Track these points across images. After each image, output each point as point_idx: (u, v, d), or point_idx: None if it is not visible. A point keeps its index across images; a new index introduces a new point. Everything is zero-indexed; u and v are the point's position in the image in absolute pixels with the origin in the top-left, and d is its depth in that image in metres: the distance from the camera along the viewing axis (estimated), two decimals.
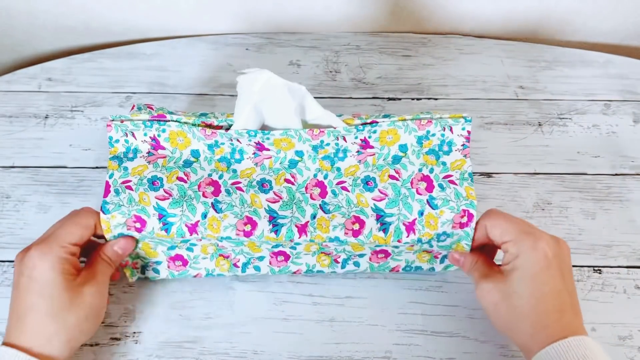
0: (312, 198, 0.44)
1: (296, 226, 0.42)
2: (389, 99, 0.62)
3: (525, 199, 0.55)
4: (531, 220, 0.53)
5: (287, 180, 0.44)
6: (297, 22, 0.67)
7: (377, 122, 0.44)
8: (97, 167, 0.56)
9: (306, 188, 0.44)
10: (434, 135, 0.44)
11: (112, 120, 0.44)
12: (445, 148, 0.45)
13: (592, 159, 0.58)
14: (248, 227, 0.42)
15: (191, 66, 0.64)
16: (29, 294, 0.39)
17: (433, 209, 0.42)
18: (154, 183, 0.43)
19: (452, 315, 0.48)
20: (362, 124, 0.44)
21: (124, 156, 0.44)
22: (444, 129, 0.44)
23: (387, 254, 0.46)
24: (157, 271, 0.48)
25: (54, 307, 0.39)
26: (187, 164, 0.45)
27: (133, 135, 0.44)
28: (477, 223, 0.42)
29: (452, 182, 0.43)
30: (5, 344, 0.38)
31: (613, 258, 0.51)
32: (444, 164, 0.44)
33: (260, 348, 0.46)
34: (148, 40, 0.68)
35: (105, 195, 0.42)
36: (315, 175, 0.45)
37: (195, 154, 0.45)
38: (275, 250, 0.46)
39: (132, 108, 0.47)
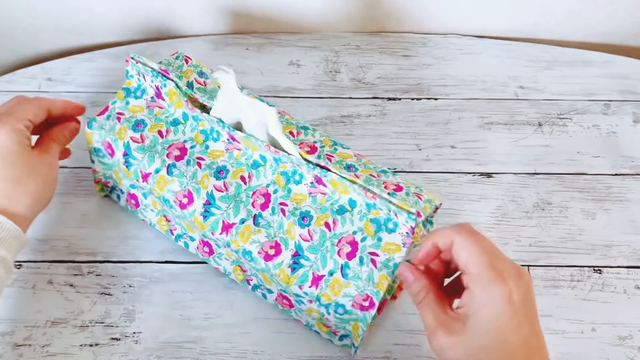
0: (252, 205, 0.43)
1: (223, 222, 0.43)
2: (389, 98, 0.62)
3: (525, 199, 0.54)
4: (531, 220, 0.53)
5: (242, 178, 0.45)
6: (297, 22, 0.67)
7: (328, 170, 0.42)
8: None
9: (254, 193, 0.44)
10: (381, 209, 0.41)
11: (132, 58, 0.47)
12: (390, 226, 0.41)
13: (592, 159, 0.58)
14: (185, 200, 0.44)
15: None
16: None
17: (343, 277, 0.40)
18: (137, 125, 0.47)
19: None
20: (314, 164, 0.42)
21: (133, 92, 0.49)
22: (390, 210, 0.41)
23: (290, 303, 0.45)
24: (119, 198, 0.52)
25: (16, 173, 0.42)
26: (175, 122, 0.47)
27: (144, 77, 0.48)
28: (442, 230, 0.37)
29: (373, 262, 0.40)
30: None
31: (613, 258, 0.51)
32: (379, 239, 0.41)
33: (260, 348, 0.46)
34: (148, 40, 0.68)
35: (100, 114, 0.48)
36: (267, 186, 0.44)
37: (185, 117, 0.47)
38: (204, 239, 0.47)
39: (174, 54, 0.51)
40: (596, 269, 0.50)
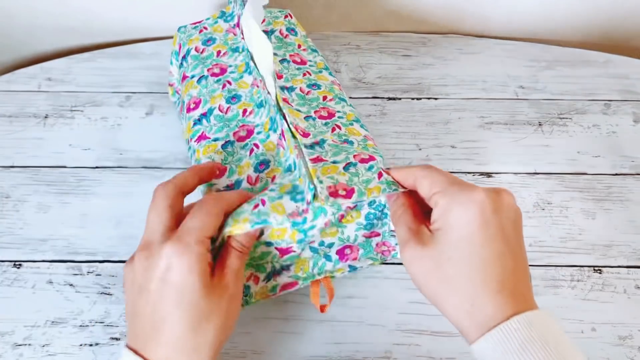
0: (234, 134, 0.45)
1: (202, 132, 0.46)
2: (389, 98, 0.62)
3: (526, 199, 0.54)
4: (531, 220, 0.53)
5: (244, 110, 0.47)
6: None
7: (284, 118, 0.42)
8: (97, 167, 0.56)
9: (243, 125, 0.46)
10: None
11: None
12: (299, 197, 0.39)
13: (593, 158, 0.58)
14: (192, 105, 0.48)
15: None
16: (164, 301, 0.33)
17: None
18: (208, 41, 0.53)
19: None
20: (279, 110, 0.43)
21: (226, 16, 0.55)
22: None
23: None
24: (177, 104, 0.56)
25: (194, 317, 0.33)
26: (235, 49, 0.52)
27: (236, 5, 0.53)
28: (407, 171, 0.37)
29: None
30: (130, 348, 0.34)
31: (613, 258, 0.51)
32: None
33: (260, 348, 0.46)
34: (148, 40, 0.68)
35: (192, 24, 0.55)
36: (256, 125, 0.46)
37: (244, 48, 0.51)
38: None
39: (281, 10, 0.57)
40: (596, 268, 0.50)
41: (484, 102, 0.62)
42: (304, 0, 0.65)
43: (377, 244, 0.45)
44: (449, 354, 0.46)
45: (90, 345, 0.46)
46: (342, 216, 0.42)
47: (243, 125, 0.46)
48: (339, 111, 0.48)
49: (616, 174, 0.56)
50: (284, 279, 0.43)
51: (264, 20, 0.56)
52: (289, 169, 0.42)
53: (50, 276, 0.49)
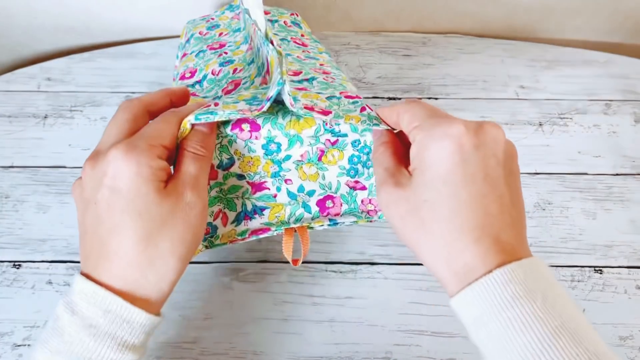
0: (222, 90, 0.44)
1: (192, 94, 0.45)
2: (389, 98, 0.62)
3: (526, 199, 0.54)
4: (532, 220, 0.53)
5: (234, 69, 0.46)
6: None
7: (271, 43, 0.37)
8: None
9: (232, 81, 0.45)
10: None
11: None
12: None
13: (593, 158, 0.57)
14: (188, 75, 0.48)
15: None
16: (112, 211, 0.30)
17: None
18: (212, 27, 0.55)
19: (452, 315, 0.47)
20: (269, 41, 0.37)
21: (234, 7, 0.57)
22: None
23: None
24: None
25: (145, 227, 0.30)
26: (237, 30, 0.53)
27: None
28: (391, 108, 0.34)
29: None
30: (83, 274, 0.31)
31: (614, 258, 0.51)
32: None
33: (260, 348, 0.46)
34: (147, 40, 0.68)
35: (202, 16, 0.57)
36: (244, 78, 0.44)
37: (245, 28, 0.51)
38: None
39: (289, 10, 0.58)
40: (597, 269, 0.50)
41: (484, 102, 0.62)
42: (304, 0, 0.65)
43: (362, 201, 0.41)
44: (449, 354, 0.46)
45: None
46: (322, 153, 0.39)
47: (232, 81, 0.44)
48: (334, 73, 0.46)
49: (617, 174, 0.56)
50: (255, 224, 0.39)
51: (267, 13, 0.57)
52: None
53: (50, 276, 0.49)
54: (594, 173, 0.56)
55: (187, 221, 0.31)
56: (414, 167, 0.30)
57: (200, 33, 0.54)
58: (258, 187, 0.40)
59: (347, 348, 0.46)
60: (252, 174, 0.39)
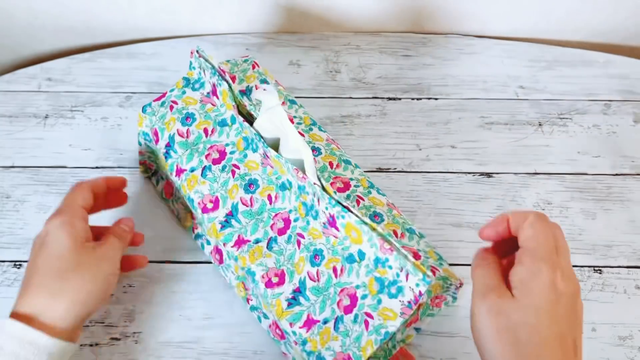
0: (271, 227, 0.43)
1: (238, 236, 0.43)
2: (389, 98, 0.62)
3: (526, 199, 0.54)
4: None
5: (269, 197, 0.44)
6: (297, 22, 0.67)
7: (349, 210, 0.39)
8: (97, 167, 0.56)
9: (275, 215, 0.43)
10: (390, 268, 0.38)
11: (196, 51, 0.47)
12: (393, 290, 0.38)
13: (593, 159, 0.58)
14: (210, 205, 0.44)
15: None
16: (38, 257, 0.39)
17: (334, 329, 0.39)
18: (187, 119, 0.47)
19: (452, 315, 0.48)
20: (335, 201, 0.39)
21: (192, 83, 0.49)
22: (401, 270, 0.37)
23: (282, 335, 0.43)
24: (157, 183, 0.53)
25: (60, 266, 0.38)
26: (223, 123, 0.47)
27: (204, 72, 0.47)
28: (515, 214, 0.36)
29: (366, 323, 0.38)
30: (12, 314, 0.37)
31: (613, 258, 0.51)
32: (379, 301, 0.38)
33: (260, 348, 0.46)
34: (148, 40, 0.68)
35: (156, 100, 0.48)
36: (289, 211, 0.43)
37: (233, 120, 0.47)
38: (218, 246, 0.46)
39: (244, 57, 0.52)
40: (596, 269, 0.50)
41: (484, 102, 0.62)
42: (305, 0, 0.65)
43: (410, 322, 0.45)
44: (449, 354, 0.46)
45: (91, 345, 0.46)
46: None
47: (277, 215, 0.43)
48: (351, 179, 0.47)
49: (616, 174, 0.56)
50: None
51: (224, 71, 0.48)
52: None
53: None
54: (593, 173, 0.56)
55: (101, 267, 0.40)
56: (515, 285, 0.33)
57: (180, 134, 0.47)
58: None
59: None
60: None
